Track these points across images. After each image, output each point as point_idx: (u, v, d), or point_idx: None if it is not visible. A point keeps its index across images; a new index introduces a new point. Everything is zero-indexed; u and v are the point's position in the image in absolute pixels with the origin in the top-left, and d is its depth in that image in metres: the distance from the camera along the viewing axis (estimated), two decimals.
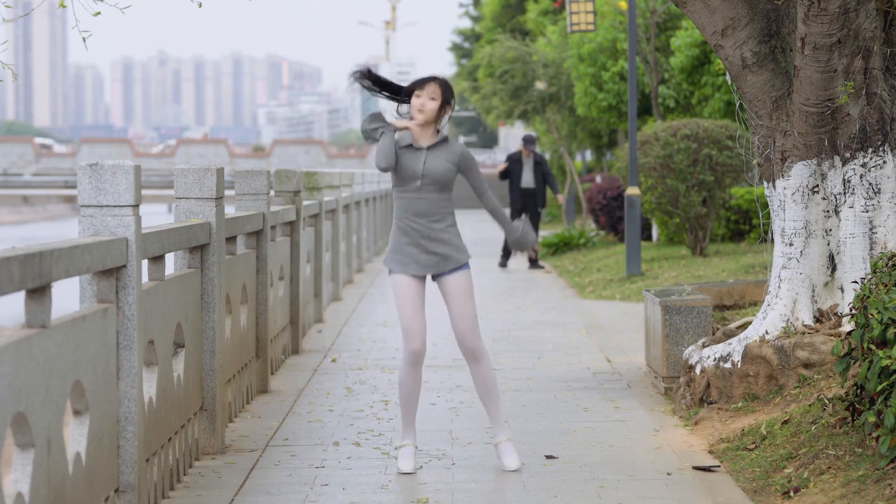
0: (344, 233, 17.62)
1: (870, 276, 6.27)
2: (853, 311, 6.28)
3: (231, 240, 8.25)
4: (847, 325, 7.54)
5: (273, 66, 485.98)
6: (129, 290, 5.34)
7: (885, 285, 5.94)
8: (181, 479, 6.46)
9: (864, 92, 7.69)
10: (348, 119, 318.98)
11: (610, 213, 24.40)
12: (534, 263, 20.32)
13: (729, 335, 8.44)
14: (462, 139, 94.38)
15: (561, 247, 23.47)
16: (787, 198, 7.95)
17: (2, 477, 4.27)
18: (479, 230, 33.29)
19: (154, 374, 5.95)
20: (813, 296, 7.91)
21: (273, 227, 10.22)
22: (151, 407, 5.85)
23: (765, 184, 8.20)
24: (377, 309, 14.60)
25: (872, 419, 5.74)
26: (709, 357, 7.91)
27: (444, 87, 6.62)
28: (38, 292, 4.43)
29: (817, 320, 7.88)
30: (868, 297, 6.01)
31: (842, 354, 6.34)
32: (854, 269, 7.75)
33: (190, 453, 6.73)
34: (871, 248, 7.75)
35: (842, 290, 7.85)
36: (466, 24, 61.17)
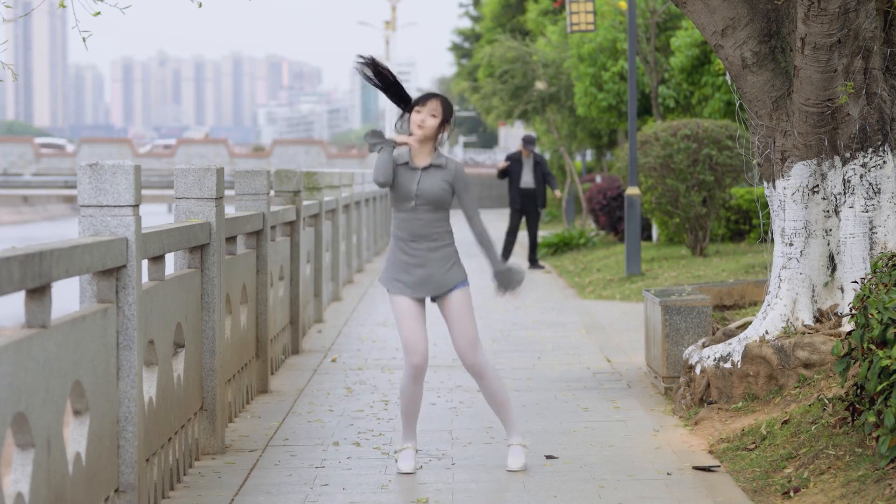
0: (344, 233, 17.62)
1: (870, 276, 6.27)
2: (853, 311, 6.29)
3: (231, 240, 8.25)
4: (847, 325, 7.54)
5: (273, 66, 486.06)
6: (129, 290, 5.34)
7: (885, 285, 5.94)
8: (181, 479, 6.46)
9: (864, 92, 7.69)
10: (348, 119, 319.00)
11: (610, 213, 24.40)
12: (534, 263, 20.31)
13: (729, 335, 8.44)
14: (462, 139, 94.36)
15: (561, 247, 23.47)
16: (787, 198, 7.95)
17: (2, 477, 4.27)
18: None
19: (154, 374, 5.95)
20: (813, 296, 7.91)
21: (273, 227, 10.22)
22: (151, 407, 5.85)
23: (765, 184, 8.20)
24: (377, 309, 14.60)
25: (872, 419, 5.74)
26: (709, 357, 7.91)
27: (446, 105, 6.61)
28: (38, 292, 4.43)
29: (817, 320, 7.88)
30: (868, 297, 6.01)
31: (842, 354, 6.34)
32: (854, 269, 7.75)
33: (190, 453, 6.73)
34: (871, 248, 7.75)
35: (842, 290, 7.85)
36: (466, 24, 61.17)
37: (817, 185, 7.91)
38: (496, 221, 38.12)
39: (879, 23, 7.66)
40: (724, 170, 17.74)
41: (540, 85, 29.04)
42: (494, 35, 36.57)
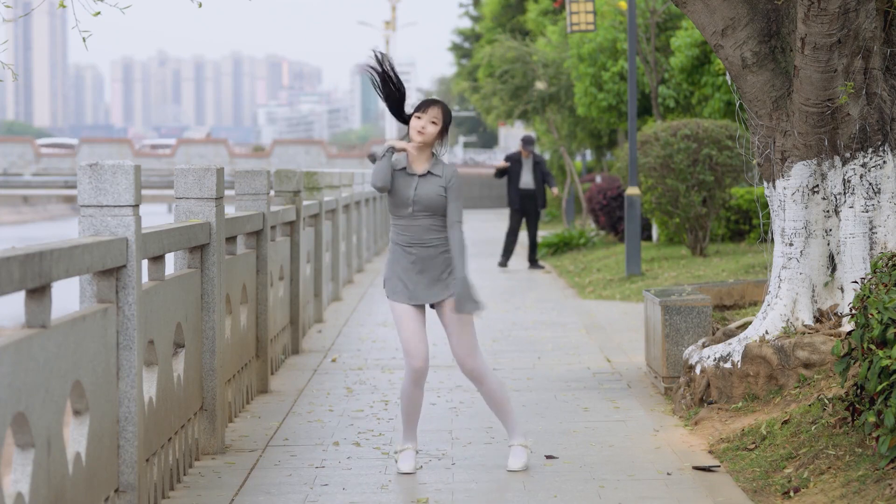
0: (344, 233, 17.62)
1: (870, 276, 6.27)
2: (853, 311, 6.29)
3: (231, 240, 8.25)
4: (847, 325, 7.54)
5: (273, 66, 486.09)
6: (129, 290, 5.34)
7: (885, 285, 5.94)
8: (181, 479, 6.46)
9: (864, 92, 7.69)
10: (348, 119, 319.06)
11: (610, 213, 24.40)
12: (534, 263, 20.31)
13: (729, 335, 8.44)
14: (462, 139, 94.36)
15: (561, 247, 23.47)
16: (787, 198, 7.95)
17: (2, 477, 4.27)
18: (480, 230, 33.30)
19: (154, 374, 5.95)
20: (813, 296, 7.91)
21: (273, 227, 10.22)
22: (151, 407, 5.85)
23: (765, 184, 8.20)
24: (377, 309, 14.60)
25: (872, 419, 5.74)
26: (709, 357, 7.91)
27: (446, 112, 6.64)
28: (38, 292, 4.43)
29: (817, 320, 7.88)
30: (868, 297, 6.01)
31: (842, 354, 6.34)
32: (854, 269, 7.75)
33: (190, 453, 6.73)
34: (871, 248, 7.75)
35: (842, 290, 7.85)
36: (466, 24, 61.16)
37: (817, 185, 7.91)
38: (496, 221, 38.16)
39: (879, 23, 7.66)
40: (724, 170, 17.73)
41: (540, 85, 29.03)
42: (494, 35, 36.57)
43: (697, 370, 7.96)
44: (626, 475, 6.49)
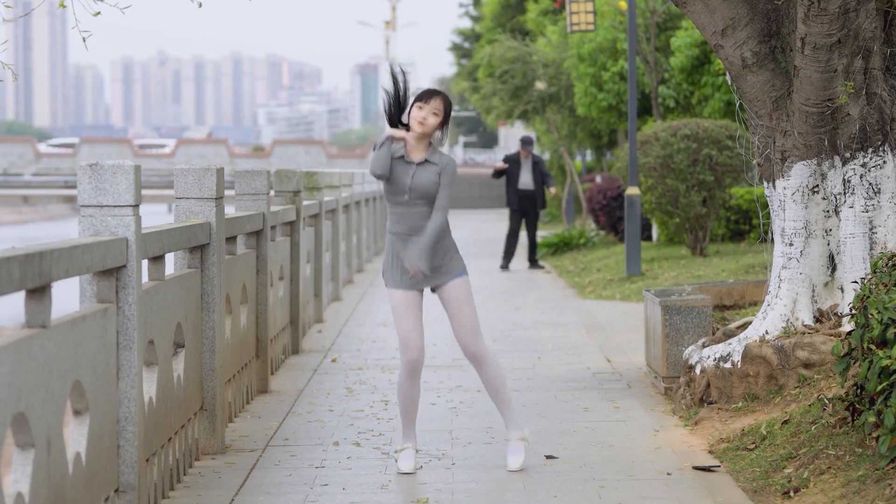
0: (344, 233, 17.62)
1: (870, 276, 6.27)
2: (853, 311, 6.28)
3: (231, 240, 8.25)
4: (847, 325, 7.54)
5: (273, 66, 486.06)
6: (129, 290, 5.35)
7: (885, 285, 5.94)
8: (181, 479, 6.46)
9: (864, 92, 7.69)
10: (348, 119, 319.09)
11: (610, 213, 24.40)
12: (534, 263, 20.31)
13: (729, 335, 8.44)
14: (462, 139, 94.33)
15: (561, 247, 23.47)
16: (787, 198, 7.95)
17: (2, 477, 4.27)
18: (480, 230, 33.31)
19: (154, 374, 5.95)
20: (813, 296, 7.91)
21: (273, 227, 10.22)
22: (151, 407, 5.85)
23: (765, 184, 8.20)
24: (377, 309, 14.60)
25: (872, 419, 5.74)
26: (709, 357, 7.91)
27: (447, 104, 6.66)
28: (38, 292, 4.43)
29: (817, 320, 7.88)
30: (868, 297, 6.01)
31: (842, 354, 6.34)
32: (854, 269, 7.75)
33: (190, 453, 6.73)
34: (871, 248, 7.75)
35: (842, 290, 7.85)
36: (466, 24, 61.15)
37: (817, 185, 7.91)
38: (496, 221, 38.16)
39: (879, 23, 7.66)
40: (724, 170, 17.73)
41: (540, 85, 29.03)
42: (494, 35, 36.56)
43: (697, 370, 7.96)
44: (626, 475, 6.49)
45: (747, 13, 7.94)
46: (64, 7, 7.72)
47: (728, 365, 7.75)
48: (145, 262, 6.01)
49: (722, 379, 7.77)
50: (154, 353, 5.93)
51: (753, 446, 6.80)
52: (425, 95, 6.65)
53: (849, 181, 7.79)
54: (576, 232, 24.04)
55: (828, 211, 7.92)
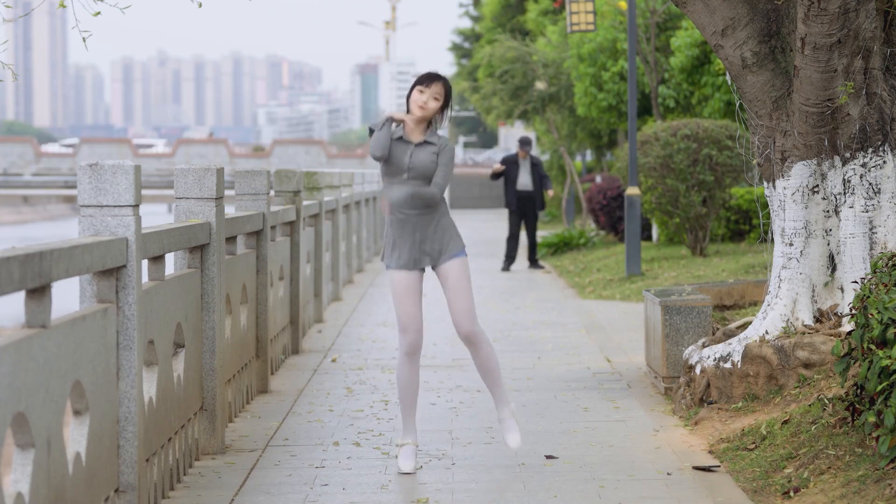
0: (344, 233, 17.62)
1: (870, 276, 6.27)
2: (853, 311, 6.28)
3: (231, 240, 8.25)
4: (847, 325, 7.54)
5: (273, 66, 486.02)
6: (129, 290, 5.35)
7: (885, 285, 5.94)
8: (181, 479, 6.46)
9: (864, 92, 7.69)
10: (348, 119, 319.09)
11: (610, 213, 24.40)
12: (534, 263, 20.30)
13: (729, 335, 8.44)
14: (462, 139, 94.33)
15: (561, 247, 23.47)
16: (787, 198, 7.95)
17: (2, 477, 4.27)
18: (480, 230, 33.30)
19: (154, 374, 5.95)
20: (813, 296, 7.91)
21: (273, 227, 10.22)
22: (151, 407, 5.85)
23: (765, 184, 8.20)
24: (377, 309, 14.60)
25: (872, 419, 5.74)
26: (709, 357, 7.91)
27: (448, 89, 6.71)
28: (38, 292, 4.43)
29: (817, 320, 7.88)
30: (868, 297, 6.01)
31: (842, 354, 6.34)
32: (854, 269, 7.75)
33: (190, 453, 6.73)
34: (871, 248, 7.75)
35: (842, 290, 7.85)
36: (466, 24, 61.15)
37: (817, 185, 7.91)
38: (496, 221, 38.15)
39: (879, 23, 7.66)
40: (724, 170, 17.73)
41: (540, 85, 29.03)
42: (494, 35, 36.56)
43: (697, 370, 7.96)
44: (626, 475, 6.49)
45: (747, 13, 7.94)
46: (64, 7, 7.72)
47: (728, 365, 7.75)
48: (145, 262, 6.01)
49: (722, 379, 7.77)
50: (154, 353, 5.93)
51: (753, 446, 6.80)
52: (426, 79, 6.70)
53: (849, 181, 7.79)
54: (576, 232, 24.04)
55: (828, 211, 7.92)
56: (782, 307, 7.90)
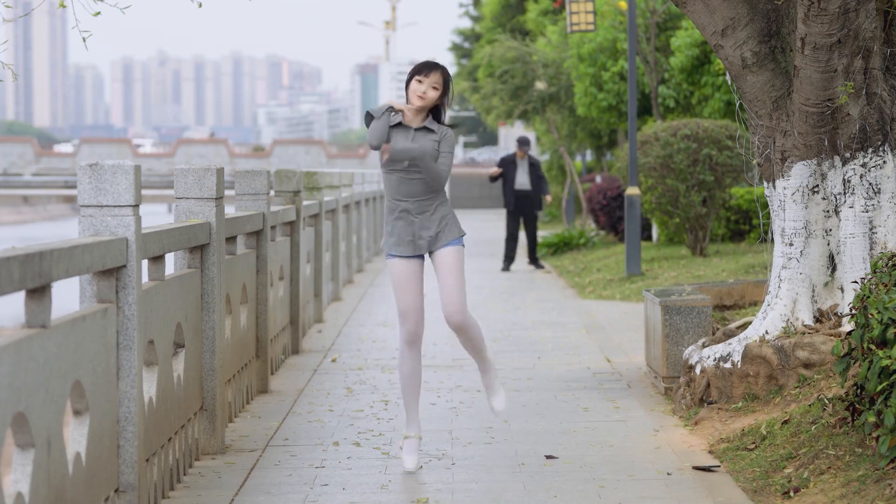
0: (344, 233, 17.62)
1: (870, 276, 6.27)
2: (853, 311, 6.28)
3: (231, 240, 8.25)
4: (847, 325, 7.54)
5: (273, 66, 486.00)
6: (129, 290, 5.34)
7: (885, 285, 5.94)
8: (181, 479, 6.46)
9: (864, 92, 7.69)
10: (348, 119, 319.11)
11: (610, 213, 24.40)
12: (534, 263, 20.28)
13: (729, 335, 8.44)
14: (462, 139, 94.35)
15: (561, 247, 23.47)
16: (787, 198, 7.95)
17: (2, 477, 4.27)
18: (479, 230, 33.30)
19: (154, 374, 5.95)
20: (813, 296, 7.91)
21: (273, 227, 10.22)
22: (151, 407, 5.85)
23: (765, 184, 8.20)
24: (377, 309, 14.60)
25: (872, 419, 5.74)
26: (709, 357, 7.91)
27: (447, 77, 6.71)
28: (38, 292, 4.43)
29: (817, 320, 7.88)
30: (868, 297, 6.01)
31: (842, 354, 6.34)
32: (854, 269, 7.75)
33: (190, 453, 6.73)
34: (871, 248, 7.75)
35: (842, 290, 7.85)
36: (466, 24, 61.15)
37: (817, 185, 7.91)
38: (496, 221, 38.13)
39: (879, 23, 7.66)
40: (724, 170, 17.73)
41: (540, 85, 29.03)
42: (494, 35, 36.55)
43: (697, 370, 7.96)
44: (626, 475, 6.49)
45: (747, 13, 7.94)
46: (64, 7, 7.72)
47: (728, 365, 7.75)
48: (145, 262, 6.01)
49: (722, 379, 7.77)
50: (154, 353, 5.93)
51: (753, 446, 6.80)
52: (424, 68, 6.68)
53: (849, 181, 7.79)
54: (576, 232, 24.04)
55: (828, 211, 7.92)
56: (782, 307, 7.90)
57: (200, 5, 8.01)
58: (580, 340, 11.68)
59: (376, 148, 6.64)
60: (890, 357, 5.58)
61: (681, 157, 17.64)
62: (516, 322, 13.16)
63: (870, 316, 5.85)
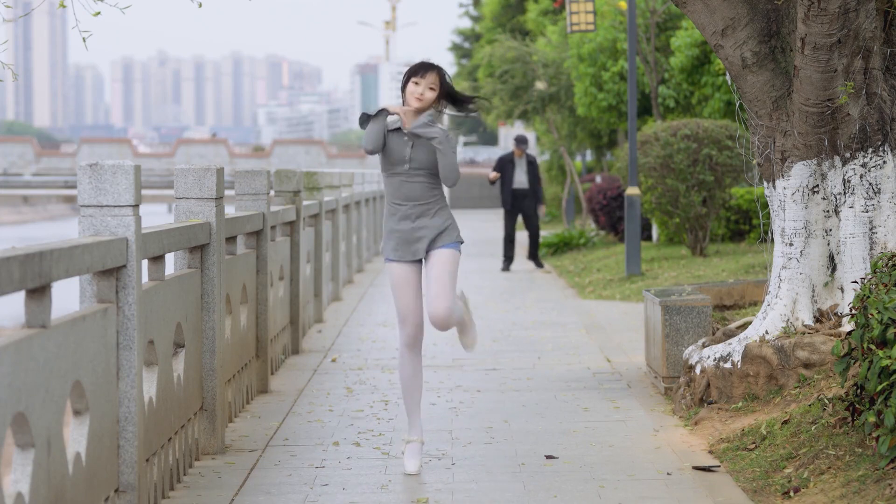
0: (344, 233, 17.62)
1: (870, 276, 6.27)
2: (853, 311, 6.29)
3: (231, 240, 8.25)
4: (847, 325, 7.54)
5: (273, 66, 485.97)
6: (129, 290, 5.34)
7: (885, 285, 5.94)
8: (181, 479, 6.46)
9: (864, 92, 7.69)
10: (348, 119, 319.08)
11: (610, 213, 24.40)
12: (535, 261, 20.26)
13: (729, 335, 8.44)
14: (462, 139, 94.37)
15: (561, 247, 23.46)
16: (787, 198, 7.95)
17: (2, 477, 4.27)
18: (480, 230, 33.31)
19: (154, 374, 5.95)
20: (813, 296, 7.91)
21: (273, 227, 10.22)
22: (151, 407, 5.85)
23: (765, 184, 8.20)
24: (377, 309, 14.60)
25: (872, 419, 5.74)
26: (709, 357, 7.91)
27: (443, 77, 6.67)
28: (38, 292, 4.43)
29: (817, 320, 7.88)
30: (868, 297, 6.01)
31: (842, 354, 6.34)
32: (854, 269, 7.75)
33: (190, 453, 6.73)
34: (871, 248, 7.75)
35: (842, 290, 7.85)
36: (466, 24, 61.17)
37: (817, 185, 7.91)
38: (496, 221, 38.13)
39: (879, 23, 7.66)
40: (724, 170, 17.73)
41: (540, 85, 29.03)
42: (494, 35, 36.56)
43: (697, 370, 7.96)
44: (626, 475, 6.49)
45: (747, 13, 7.94)
46: (64, 7, 7.72)
47: (728, 365, 7.75)
48: (145, 262, 6.01)
49: (722, 379, 7.77)
50: (154, 353, 5.93)
51: (753, 446, 6.80)
52: (420, 70, 6.64)
53: (849, 181, 7.79)
54: (576, 232, 24.04)
55: (828, 211, 7.92)
56: (782, 307, 7.90)
57: (200, 5, 8.01)
58: (580, 340, 11.68)
59: (371, 153, 6.61)
60: (890, 357, 5.58)
61: (681, 157, 17.65)
62: (516, 322, 13.16)
63: (870, 316, 5.85)
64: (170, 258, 6.75)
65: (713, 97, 20.97)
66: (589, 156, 43.14)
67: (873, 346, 5.77)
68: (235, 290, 8.21)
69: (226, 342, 7.77)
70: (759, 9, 7.95)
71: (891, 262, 6.16)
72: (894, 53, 7.78)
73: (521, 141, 19.81)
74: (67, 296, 5.55)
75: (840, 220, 7.85)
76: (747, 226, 19.43)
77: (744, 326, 8.58)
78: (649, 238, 22.31)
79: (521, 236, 27.00)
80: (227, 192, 8.86)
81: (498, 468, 6.69)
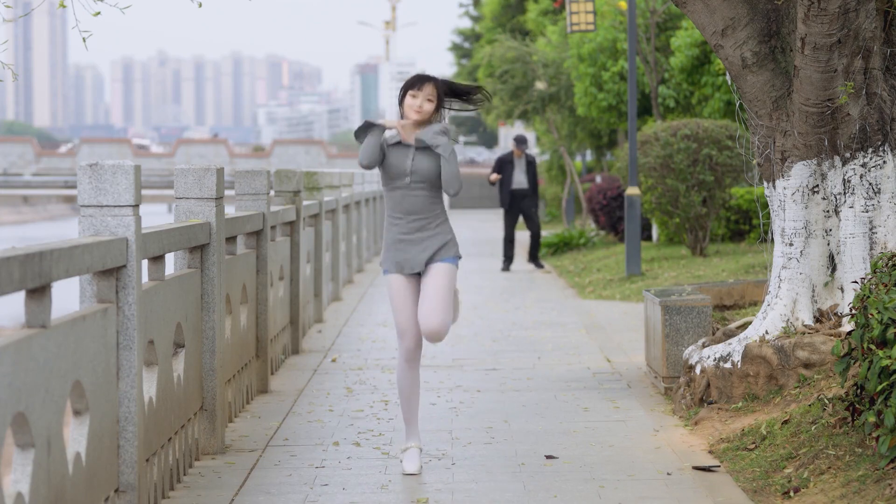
0: (344, 233, 17.62)
1: (870, 276, 6.28)
2: (853, 311, 6.29)
3: (231, 240, 8.25)
4: (847, 325, 7.54)
5: (273, 66, 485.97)
6: (129, 290, 5.34)
7: (885, 285, 5.94)
8: (181, 479, 6.46)
9: (864, 92, 7.69)
10: (348, 119, 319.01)
11: (610, 213, 24.39)
12: (535, 261, 20.25)
13: (729, 335, 8.44)
14: (462, 139, 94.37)
15: (561, 247, 23.46)
16: (787, 198, 7.95)
17: (2, 477, 4.27)
18: (480, 230, 33.31)
19: (154, 374, 5.95)
20: (813, 296, 7.91)
21: (273, 227, 10.22)
22: (151, 407, 5.85)
23: (765, 184, 8.20)
24: (377, 309, 14.60)
25: (872, 419, 5.74)
26: (709, 357, 7.91)
27: (440, 88, 6.64)
28: (38, 292, 4.43)
29: (817, 320, 7.88)
30: (868, 297, 6.01)
31: (842, 354, 6.34)
32: (854, 269, 7.75)
33: (190, 453, 6.73)
34: (871, 248, 7.75)
35: (842, 290, 7.85)
36: (466, 24, 61.15)
37: (817, 185, 7.91)
38: (496, 221, 38.14)
39: (879, 23, 7.66)
40: (724, 170, 17.73)
41: (540, 85, 29.03)
42: (494, 35, 36.55)
43: (697, 370, 7.96)
44: (626, 475, 6.49)
45: (747, 13, 7.94)
46: (64, 7, 7.72)
47: (728, 365, 7.75)
48: (145, 262, 6.01)
49: (722, 379, 7.77)
50: (154, 353, 5.93)
51: (753, 446, 6.80)
52: (417, 82, 6.61)
53: (849, 181, 7.79)
54: (576, 232, 24.04)
55: (828, 211, 7.92)
56: (782, 307, 7.90)
57: (200, 5, 8.01)
58: (580, 340, 11.68)
59: (366, 168, 6.58)
60: (890, 357, 5.58)
61: (681, 157, 17.64)
62: (516, 322, 13.16)
63: (870, 316, 5.85)
64: (170, 258, 6.75)
65: (713, 97, 20.96)
66: (589, 156, 43.13)
67: (873, 346, 5.77)
68: (235, 290, 8.21)
69: (226, 342, 7.77)
70: (759, 9, 7.95)
71: (891, 262, 6.16)
72: (894, 53, 7.78)
73: (520, 141, 19.79)
74: (67, 296, 5.55)
75: (840, 220, 7.85)
76: (747, 226, 19.43)
77: (744, 326, 8.58)
78: (649, 238, 22.31)
79: (522, 236, 26.99)
80: (227, 192, 8.86)
81: (498, 468, 6.69)
